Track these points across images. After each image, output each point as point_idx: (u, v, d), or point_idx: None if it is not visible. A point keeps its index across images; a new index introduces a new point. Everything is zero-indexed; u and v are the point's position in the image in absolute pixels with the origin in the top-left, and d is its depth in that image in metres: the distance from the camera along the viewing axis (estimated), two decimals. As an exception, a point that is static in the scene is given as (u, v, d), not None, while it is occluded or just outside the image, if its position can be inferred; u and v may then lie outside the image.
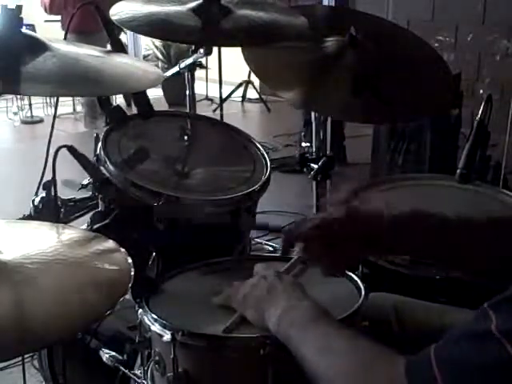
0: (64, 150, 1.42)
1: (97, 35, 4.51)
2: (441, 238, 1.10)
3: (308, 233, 1.15)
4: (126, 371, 1.41)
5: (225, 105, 5.49)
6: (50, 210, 1.52)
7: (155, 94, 6.75)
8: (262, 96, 7.17)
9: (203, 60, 2.08)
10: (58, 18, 5.97)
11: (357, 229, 1.11)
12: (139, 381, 1.33)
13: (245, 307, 1.14)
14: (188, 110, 2.15)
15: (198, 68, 2.08)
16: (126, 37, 6.61)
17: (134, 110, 1.69)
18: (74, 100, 6.75)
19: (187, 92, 2.15)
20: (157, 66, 6.42)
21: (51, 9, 5.87)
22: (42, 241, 1.20)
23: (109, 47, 1.69)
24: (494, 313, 0.78)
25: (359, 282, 1.25)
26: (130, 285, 1.09)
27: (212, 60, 4.57)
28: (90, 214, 1.61)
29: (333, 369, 0.92)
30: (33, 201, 1.57)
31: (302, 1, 5.63)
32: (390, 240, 1.10)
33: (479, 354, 0.77)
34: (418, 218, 1.12)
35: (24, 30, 1.40)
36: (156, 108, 1.70)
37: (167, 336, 1.12)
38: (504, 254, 1.09)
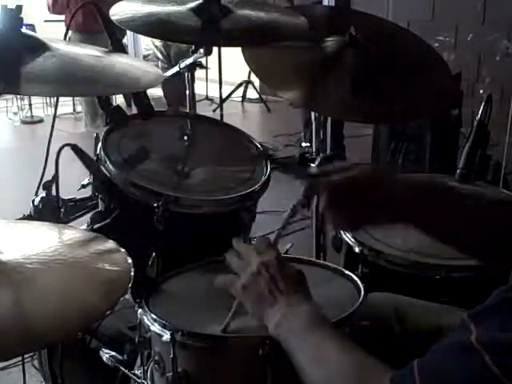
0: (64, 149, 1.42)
1: (100, 35, 4.49)
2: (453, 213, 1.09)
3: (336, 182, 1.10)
4: (126, 371, 1.41)
5: (225, 105, 5.49)
6: (50, 209, 1.52)
7: (155, 93, 6.75)
8: (262, 96, 7.15)
9: (203, 60, 2.07)
10: (58, 17, 5.97)
11: (372, 185, 1.09)
12: (139, 381, 1.33)
13: (244, 298, 1.11)
14: (188, 110, 2.15)
15: (198, 68, 2.08)
16: (125, 37, 6.60)
17: (134, 110, 1.69)
18: (74, 100, 6.73)
19: (187, 92, 2.15)
20: (157, 66, 6.41)
21: (54, 8, 5.87)
22: (42, 241, 1.20)
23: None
24: (474, 324, 0.78)
25: (359, 282, 1.25)
26: (129, 285, 1.09)
27: (212, 60, 4.57)
28: (90, 213, 1.61)
29: (324, 378, 0.94)
30: (33, 201, 1.57)
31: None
32: (400, 202, 1.08)
33: (459, 366, 0.77)
34: (431, 189, 1.11)
35: (24, 30, 1.40)
36: (156, 108, 1.70)
37: (167, 336, 1.12)
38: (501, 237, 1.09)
